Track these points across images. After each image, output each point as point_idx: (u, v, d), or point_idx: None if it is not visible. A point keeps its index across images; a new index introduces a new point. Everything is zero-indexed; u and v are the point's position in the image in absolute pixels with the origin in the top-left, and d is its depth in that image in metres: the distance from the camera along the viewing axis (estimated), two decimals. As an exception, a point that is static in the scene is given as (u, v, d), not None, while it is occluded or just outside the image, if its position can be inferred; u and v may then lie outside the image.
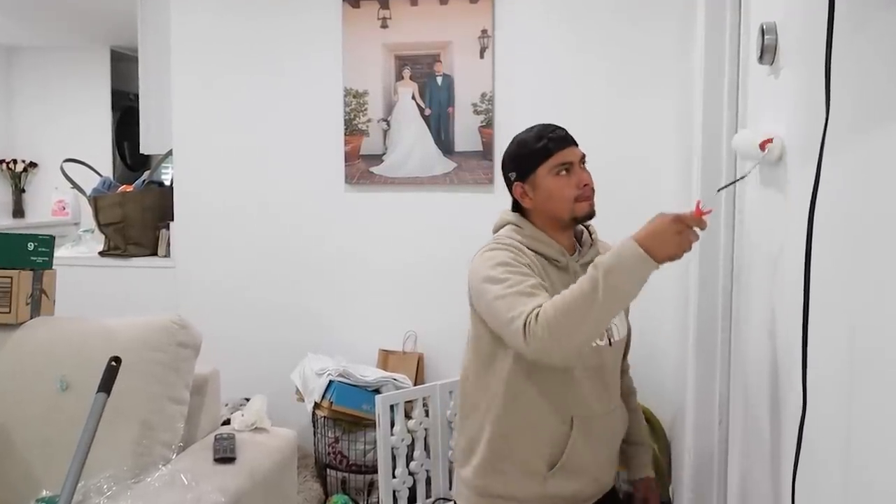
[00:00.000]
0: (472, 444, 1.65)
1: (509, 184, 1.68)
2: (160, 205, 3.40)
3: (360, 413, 2.74)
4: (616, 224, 2.63)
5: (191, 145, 3.26)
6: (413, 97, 3.02)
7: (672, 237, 1.32)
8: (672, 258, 1.33)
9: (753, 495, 1.39)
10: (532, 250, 1.60)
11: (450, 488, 2.74)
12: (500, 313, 1.45)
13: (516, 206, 1.70)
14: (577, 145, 1.63)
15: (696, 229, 1.33)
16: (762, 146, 1.22)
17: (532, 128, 1.67)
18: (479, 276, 1.54)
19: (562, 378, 1.57)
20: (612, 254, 1.35)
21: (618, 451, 1.74)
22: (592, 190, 1.63)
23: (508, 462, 1.61)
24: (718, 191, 1.69)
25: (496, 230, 1.70)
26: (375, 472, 2.67)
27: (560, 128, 1.65)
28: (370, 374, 2.82)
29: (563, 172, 1.60)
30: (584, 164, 1.64)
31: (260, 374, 3.03)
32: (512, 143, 1.69)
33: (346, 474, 2.80)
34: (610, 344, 1.64)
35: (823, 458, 0.94)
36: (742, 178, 1.46)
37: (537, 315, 1.38)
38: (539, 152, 1.61)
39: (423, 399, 2.72)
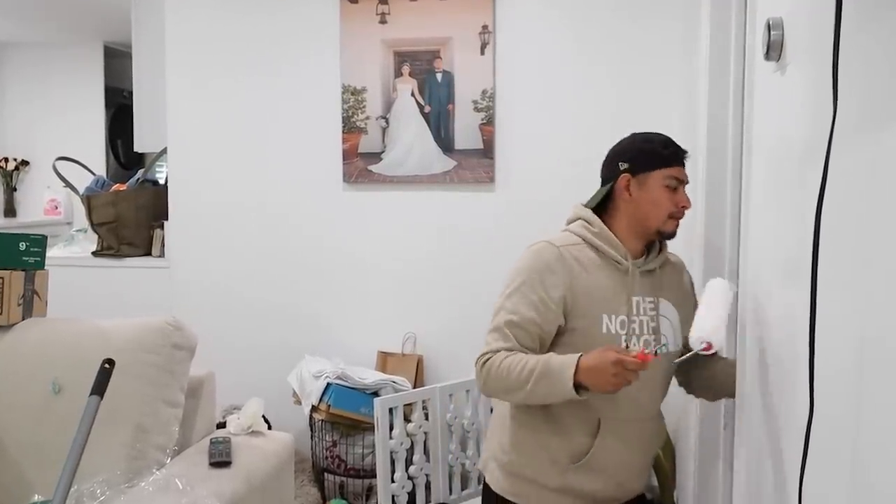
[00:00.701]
0: (504, 420, 1.74)
1: (614, 173, 1.71)
2: (154, 204, 3.40)
3: (359, 416, 2.74)
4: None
5: (186, 143, 3.26)
6: (412, 94, 3.02)
7: (609, 378, 1.49)
8: (605, 392, 1.52)
9: (760, 500, 1.39)
10: (595, 248, 1.69)
11: (450, 493, 2.74)
12: (489, 333, 1.66)
13: (599, 205, 1.74)
14: (685, 168, 1.71)
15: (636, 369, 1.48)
16: (705, 349, 1.46)
17: (656, 133, 1.72)
18: (513, 267, 1.69)
19: None
20: (555, 369, 1.53)
21: (651, 459, 1.77)
22: (684, 213, 1.70)
23: (535, 447, 1.69)
24: (676, 363, 1.67)
25: (569, 223, 1.77)
26: (374, 476, 2.67)
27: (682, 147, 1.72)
28: (369, 376, 2.82)
29: (674, 186, 1.67)
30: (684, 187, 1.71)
31: (256, 377, 3.04)
32: (633, 137, 1.73)
33: (343, 479, 2.80)
34: (656, 354, 1.63)
35: (831, 462, 0.94)
36: (693, 353, 1.51)
37: (486, 361, 1.62)
38: (664, 158, 1.68)
39: (423, 402, 2.72)
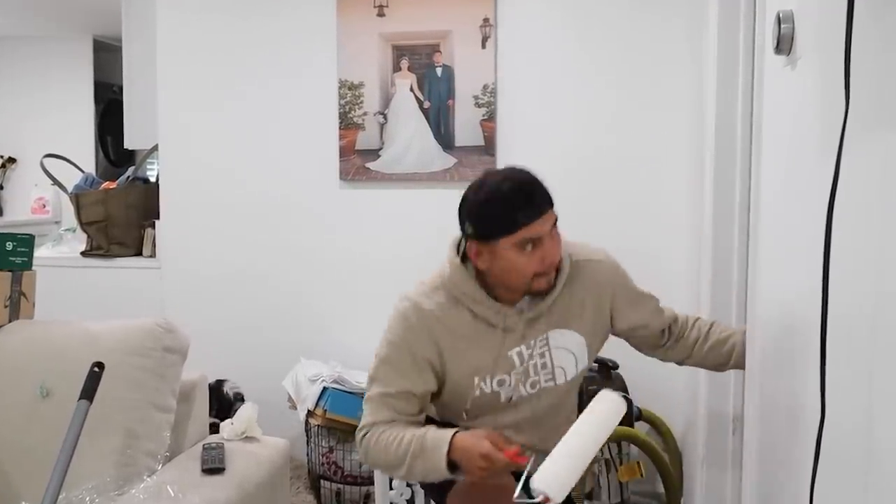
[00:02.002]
0: None
1: (464, 234, 1.60)
2: (145, 202, 3.40)
3: (356, 421, 2.73)
4: (621, 221, 2.68)
5: (177, 140, 3.26)
6: (411, 89, 3.02)
7: (476, 467, 1.43)
8: (472, 477, 1.46)
9: (769, 508, 1.39)
10: (467, 308, 1.60)
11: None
12: (364, 403, 1.67)
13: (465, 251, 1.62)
14: (552, 206, 1.52)
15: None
16: (542, 501, 1.29)
17: (503, 182, 1.51)
18: (384, 332, 1.65)
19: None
20: (430, 446, 1.49)
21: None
22: (555, 265, 1.56)
23: None
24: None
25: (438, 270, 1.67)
26: (371, 483, 2.67)
27: (538, 188, 1.52)
28: (366, 380, 2.81)
29: (529, 247, 1.50)
30: (555, 227, 1.54)
31: (251, 381, 3.04)
32: (477, 192, 1.54)
33: (340, 486, 2.80)
34: (555, 384, 1.64)
35: (843, 468, 0.94)
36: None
37: (365, 435, 1.61)
38: (506, 225, 1.49)
39: (422, 407, 2.72)
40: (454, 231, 3.16)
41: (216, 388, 2.92)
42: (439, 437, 1.51)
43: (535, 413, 1.67)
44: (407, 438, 1.54)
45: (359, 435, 1.64)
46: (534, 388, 1.65)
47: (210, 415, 2.26)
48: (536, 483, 1.30)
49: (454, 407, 1.68)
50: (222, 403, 2.92)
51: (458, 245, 1.66)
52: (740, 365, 1.70)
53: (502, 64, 2.95)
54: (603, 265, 1.70)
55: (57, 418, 1.63)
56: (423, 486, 1.77)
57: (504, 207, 1.49)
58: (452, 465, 1.48)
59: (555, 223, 1.53)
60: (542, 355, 1.63)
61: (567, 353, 1.65)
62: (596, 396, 1.49)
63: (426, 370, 1.61)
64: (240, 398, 2.99)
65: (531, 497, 1.32)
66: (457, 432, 1.50)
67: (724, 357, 1.73)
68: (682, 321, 1.80)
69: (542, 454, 1.40)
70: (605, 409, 1.46)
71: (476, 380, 1.61)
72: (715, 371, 1.84)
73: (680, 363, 1.81)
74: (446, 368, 1.61)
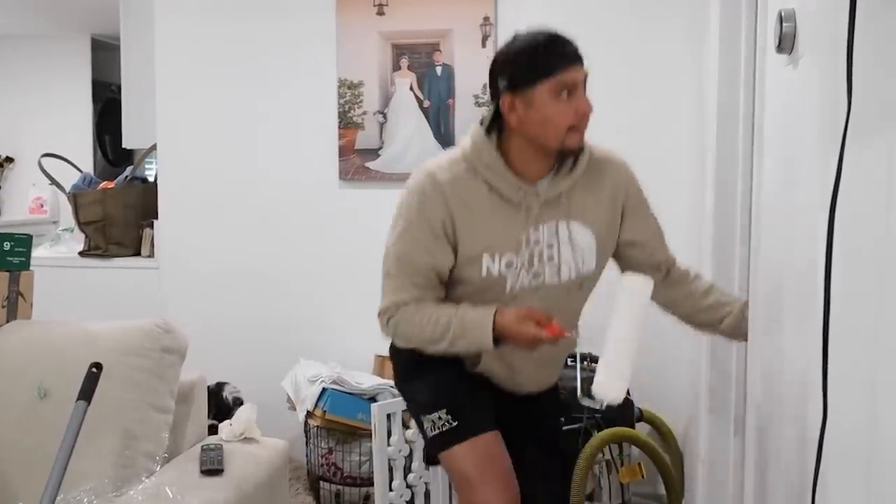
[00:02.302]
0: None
1: (495, 91, 1.58)
2: (143, 202, 3.40)
3: (355, 422, 2.74)
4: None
5: (176, 139, 3.26)
6: (411, 88, 3.02)
7: (524, 344, 1.54)
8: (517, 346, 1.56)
9: (771, 509, 1.39)
10: (485, 180, 1.60)
11: (449, 502, 2.74)
12: (383, 275, 1.69)
13: (492, 121, 1.63)
14: (583, 63, 1.54)
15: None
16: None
17: (538, 34, 1.55)
18: (397, 202, 1.66)
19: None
20: (472, 326, 1.56)
21: (556, 367, 1.82)
22: (587, 118, 1.56)
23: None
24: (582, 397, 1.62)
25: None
26: (371, 484, 2.67)
27: (570, 40, 1.55)
28: (366, 381, 2.82)
29: (565, 95, 1.51)
30: (586, 85, 1.55)
31: (249, 381, 3.03)
32: (510, 45, 1.57)
33: (340, 487, 2.80)
34: (559, 280, 1.64)
35: (845, 470, 0.94)
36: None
37: (391, 317, 1.64)
38: (544, 67, 1.50)
39: (422, 407, 2.72)
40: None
41: (216, 392, 2.92)
42: (480, 321, 1.55)
43: (542, 298, 1.66)
44: (444, 320, 1.58)
45: (383, 316, 1.66)
46: (537, 279, 1.63)
47: (209, 418, 2.26)
48: (597, 390, 1.40)
49: (456, 294, 1.67)
50: (221, 408, 2.91)
51: (482, 121, 1.66)
52: (729, 333, 1.71)
53: (503, 63, 2.94)
54: (622, 167, 1.72)
55: (55, 419, 1.63)
56: (426, 442, 1.79)
57: (540, 52, 1.53)
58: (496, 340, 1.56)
59: (586, 80, 1.55)
60: (550, 246, 1.62)
61: (577, 248, 1.64)
62: (620, 286, 1.51)
63: (444, 243, 1.60)
64: (239, 403, 2.99)
65: (591, 397, 1.43)
66: (496, 312, 1.55)
67: (717, 320, 1.71)
68: (685, 270, 1.80)
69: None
70: (634, 296, 1.50)
71: (485, 257, 1.60)
72: (699, 330, 1.83)
73: (670, 309, 1.79)
74: (458, 242, 1.60)
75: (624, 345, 1.45)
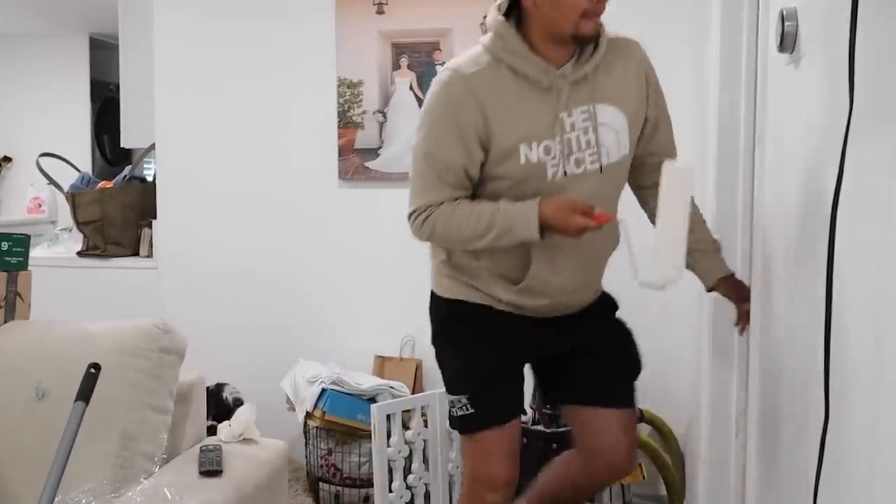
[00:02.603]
0: (437, 261, 1.83)
1: None
2: (142, 202, 3.40)
3: (355, 423, 2.74)
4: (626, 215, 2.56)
5: (175, 139, 3.26)
6: (411, 87, 3.02)
7: (571, 232, 1.56)
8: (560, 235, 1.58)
9: (772, 511, 1.39)
10: (510, 67, 1.59)
11: (450, 502, 2.74)
12: (412, 177, 1.71)
13: (509, 8, 1.62)
14: None
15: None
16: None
17: None
18: (424, 105, 1.65)
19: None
20: (516, 220, 1.57)
21: (602, 272, 1.80)
22: (604, 7, 1.57)
23: (476, 268, 1.74)
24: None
25: (486, 33, 1.67)
26: (371, 485, 2.67)
27: None
28: (365, 381, 2.82)
29: None
30: None
31: (248, 382, 3.03)
32: None
33: (339, 488, 2.80)
34: (600, 170, 1.65)
35: (847, 471, 0.94)
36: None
37: (427, 217, 1.66)
38: None
39: (422, 408, 2.72)
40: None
41: (215, 393, 2.92)
42: (525, 213, 1.57)
43: (585, 190, 1.65)
44: (487, 215, 1.60)
45: (416, 216, 1.69)
46: (579, 167, 1.63)
47: (208, 418, 2.26)
48: (653, 273, 1.42)
49: (491, 192, 1.66)
50: (220, 409, 2.91)
51: (499, 6, 1.65)
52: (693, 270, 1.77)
53: (503, 62, 2.94)
54: (638, 47, 1.76)
55: (53, 420, 1.63)
56: (451, 419, 1.85)
57: None
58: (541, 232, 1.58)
59: None
60: (586, 130, 1.62)
61: (611, 130, 1.65)
62: (663, 173, 1.50)
63: (474, 142, 1.60)
64: (239, 403, 2.99)
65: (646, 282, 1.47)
66: (540, 204, 1.57)
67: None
68: None
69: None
70: (678, 182, 1.50)
71: (522, 146, 1.60)
72: None
73: (650, 216, 1.79)
74: (491, 135, 1.59)
75: (674, 230, 1.46)
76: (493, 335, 1.75)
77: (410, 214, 1.70)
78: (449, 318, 1.80)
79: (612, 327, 1.86)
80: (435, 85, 1.64)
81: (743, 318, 1.74)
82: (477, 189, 1.68)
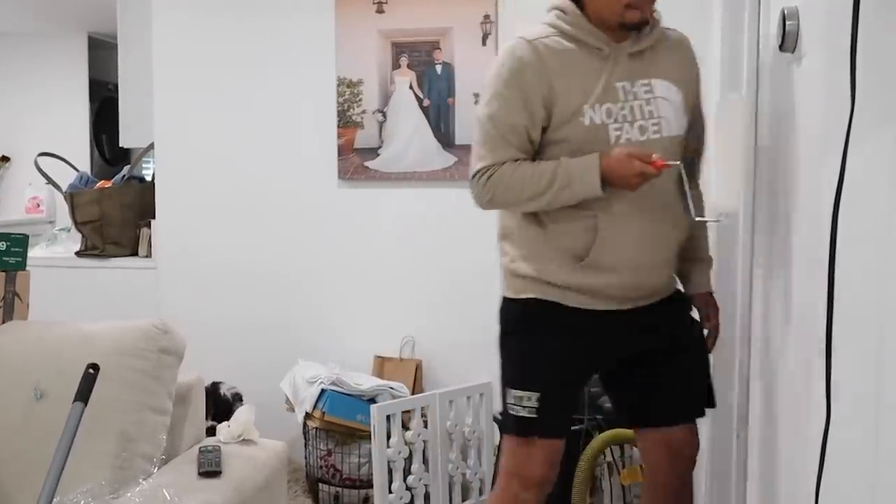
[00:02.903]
0: (510, 234, 1.81)
1: None
2: (141, 202, 3.40)
3: (355, 424, 2.74)
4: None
5: (174, 138, 3.26)
6: (411, 87, 3.02)
7: (631, 185, 1.59)
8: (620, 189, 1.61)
9: (774, 512, 1.39)
10: (572, 38, 1.68)
11: (450, 503, 2.74)
12: (476, 143, 1.73)
13: None
14: None
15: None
16: None
17: None
18: (490, 72, 1.71)
19: None
20: (577, 173, 1.61)
21: (670, 254, 1.77)
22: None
23: (540, 252, 1.74)
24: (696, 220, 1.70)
25: (548, 13, 1.76)
26: (370, 486, 2.67)
27: None
28: (365, 382, 2.82)
29: None
30: None
31: (248, 382, 3.03)
32: None
33: (339, 489, 2.80)
34: (661, 135, 1.67)
35: (848, 470, 0.94)
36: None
37: (492, 175, 1.68)
38: None
39: (422, 409, 2.72)
40: (454, 231, 3.18)
41: (213, 391, 2.92)
42: (586, 167, 1.62)
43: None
44: (548, 171, 1.64)
45: (479, 177, 1.70)
46: (642, 134, 1.67)
47: (208, 417, 2.26)
48: (714, 205, 1.36)
49: (559, 154, 1.69)
50: (220, 406, 2.91)
51: None
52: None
53: (503, 61, 2.94)
54: (690, 43, 1.81)
55: (51, 420, 1.63)
56: (501, 417, 1.85)
57: None
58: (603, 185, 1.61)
59: None
60: (647, 101, 1.68)
61: (669, 105, 1.70)
62: (718, 110, 1.50)
63: (537, 103, 1.66)
64: (238, 399, 2.99)
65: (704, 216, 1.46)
66: (601, 157, 1.61)
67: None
68: (698, 182, 1.85)
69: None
70: (730, 114, 1.52)
71: (585, 108, 1.65)
72: None
73: None
74: (556, 96, 1.66)
75: (728, 162, 1.46)
76: (564, 335, 1.75)
77: (473, 176, 1.73)
78: (521, 318, 1.80)
79: (685, 335, 1.83)
80: (501, 52, 1.73)
81: (711, 338, 1.83)
82: (539, 156, 1.72)
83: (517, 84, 1.67)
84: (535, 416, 1.73)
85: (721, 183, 1.43)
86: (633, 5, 1.62)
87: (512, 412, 1.76)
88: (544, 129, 1.70)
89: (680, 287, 1.84)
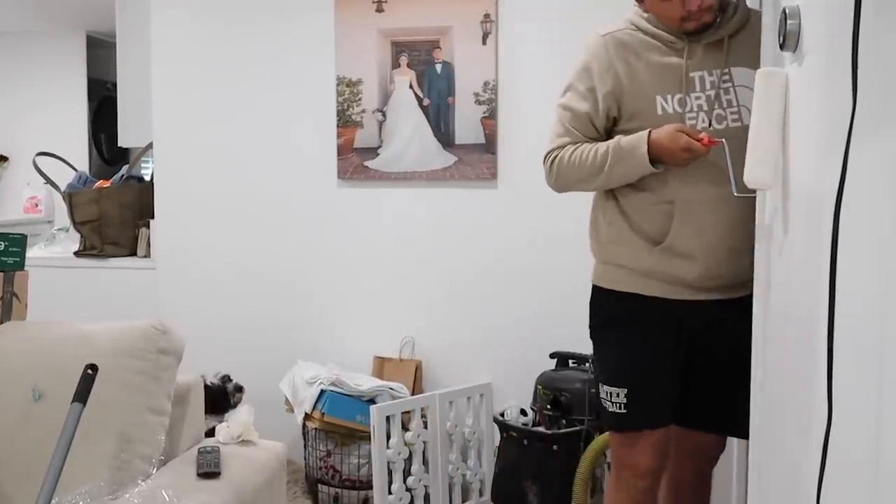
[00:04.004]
0: (596, 218, 1.88)
1: None
2: (139, 201, 3.40)
3: (354, 424, 2.74)
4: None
5: (172, 138, 3.26)
6: (410, 86, 3.02)
7: (680, 160, 1.66)
8: (676, 165, 1.67)
9: (775, 513, 1.39)
10: (646, 31, 1.77)
11: (450, 503, 2.74)
12: (551, 129, 1.84)
13: None
14: None
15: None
16: None
17: None
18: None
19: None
20: (627, 148, 1.69)
21: (749, 243, 1.72)
22: (702, 7, 1.67)
23: (620, 237, 1.81)
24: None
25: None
26: (370, 487, 2.67)
27: None
28: (364, 382, 2.82)
29: None
30: None
31: (247, 383, 3.03)
32: None
33: (338, 490, 2.80)
34: (741, 123, 1.68)
35: (850, 473, 0.94)
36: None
37: (555, 158, 1.80)
38: None
39: (422, 410, 2.73)
40: (454, 230, 3.18)
41: (208, 386, 2.90)
42: (634, 139, 1.70)
43: (719, 165, 1.67)
44: (602, 148, 1.73)
45: (546, 160, 1.82)
46: (720, 123, 1.71)
47: (212, 413, 2.26)
48: (749, 178, 1.39)
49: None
50: (218, 396, 2.88)
51: None
52: None
53: (503, 60, 2.95)
54: None
55: (50, 421, 1.63)
56: (602, 412, 1.89)
57: None
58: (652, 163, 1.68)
59: None
60: (726, 91, 1.72)
61: (751, 93, 1.64)
62: (757, 79, 1.46)
63: (603, 92, 1.76)
64: (238, 388, 2.97)
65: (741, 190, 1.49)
66: (651, 132, 1.68)
67: None
68: None
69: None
70: (771, 87, 1.46)
71: (658, 98, 1.73)
72: None
73: None
74: (628, 87, 1.74)
75: (766, 133, 1.44)
76: (647, 329, 1.79)
77: (544, 160, 1.83)
78: (605, 311, 1.87)
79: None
80: (594, 40, 1.82)
81: None
82: None
83: (585, 71, 1.78)
84: (624, 411, 1.79)
85: (753, 156, 1.41)
86: (688, 18, 1.68)
87: (605, 406, 1.83)
88: (617, 121, 1.77)
89: None
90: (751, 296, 1.76)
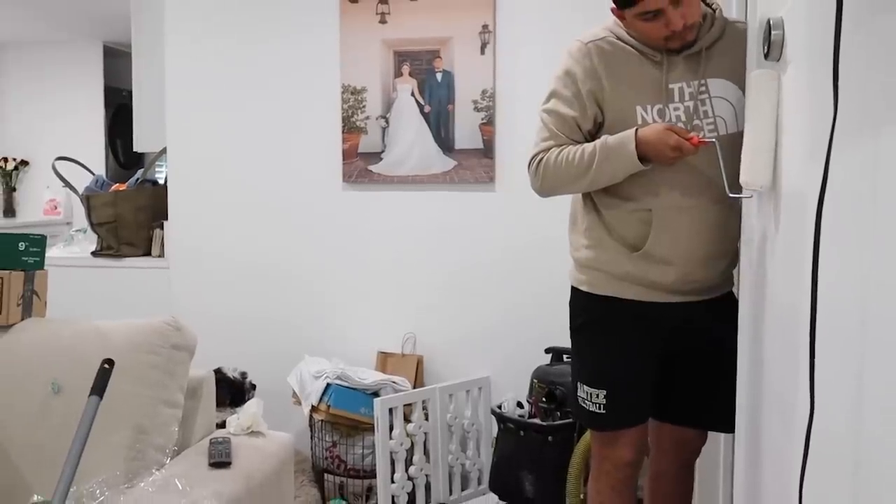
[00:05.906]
0: (575, 220, 1.83)
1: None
2: (154, 204, 3.40)
3: (359, 416, 2.74)
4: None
5: (185, 143, 3.26)
6: (412, 94, 3.02)
7: (667, 158, 1.60)
8: (664, 164, 1.63)
9: None
10: (626, 41, 1.70)
11: (450, 494, 2.74)
12: (536, 134, 1.77)
13: None
14: None
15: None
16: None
17: None
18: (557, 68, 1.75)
19: (643, 172, 1.66)
20: (615, 146, 1.63)
21: (728, 246, 1.74)
22: (686, 26, 1.61)
23: (599, 241, 1.76)
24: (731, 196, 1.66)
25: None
26: (374, 476, 2.67)
27: None
28: (368, 376, 2.82)
29: (651, 17, 1.60)
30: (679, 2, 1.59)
31: (256, 377, 3.04)
32: None
33: (343, 479, 2.80)
34: (717, 135, 1.65)
35: (832, 465, 0.94)
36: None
37: (540, 160, 1.73)
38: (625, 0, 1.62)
39: (423, 402, 2.73)
40: (454, 231, 3.17)
41: (219, 379, 2.91)
42: (623, 138, 1.63)
43: (697, 169, 1.65)
44: (589, 149, 1.67)
45: (531, 163, 1.75)
46: (698, 133, 1.65)
47: (225, 406, 2.25)
48: (745, 179, 1.35)
49: None
50: (229, 386, 2.89)
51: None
52: None
53: (501, 69, 2.95)
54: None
55: (68, 413, 1.63)
56: (575, 406, 1.84)
57: None
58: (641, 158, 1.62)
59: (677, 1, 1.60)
60: (703, 102, 1.67)
61: (727, 104, 1.67)
62: (749, 82, 1.46)
63: (588, 97, 1.70)
64: (247, 379, 2.98)
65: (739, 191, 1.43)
66: (638, 129, 1.62)
67: None
68: None
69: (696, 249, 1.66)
70: (764, 89, 1.43)
71: (637, 108, 1.68)
72: None
73: None
74: (609, 95, 1.69)
75: (760, 135, 1.42)
76: (625, 332, 1.75)
77: (529, 164, 1.77)
78: (585, 313, 1.82)
79: (731, 340, 1.69)
80: (562, 53, 1.77)
81: None
82: None
83: (568, 77, 1.72)
84: (603, 412, 1.75)
85: (747, 159, 1.38)
86: (672, 37, 1.63)
87: (584, 406, 1.79)
88: (600, 127, 1.72)
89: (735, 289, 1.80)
90: (725, 296, 1.76)
